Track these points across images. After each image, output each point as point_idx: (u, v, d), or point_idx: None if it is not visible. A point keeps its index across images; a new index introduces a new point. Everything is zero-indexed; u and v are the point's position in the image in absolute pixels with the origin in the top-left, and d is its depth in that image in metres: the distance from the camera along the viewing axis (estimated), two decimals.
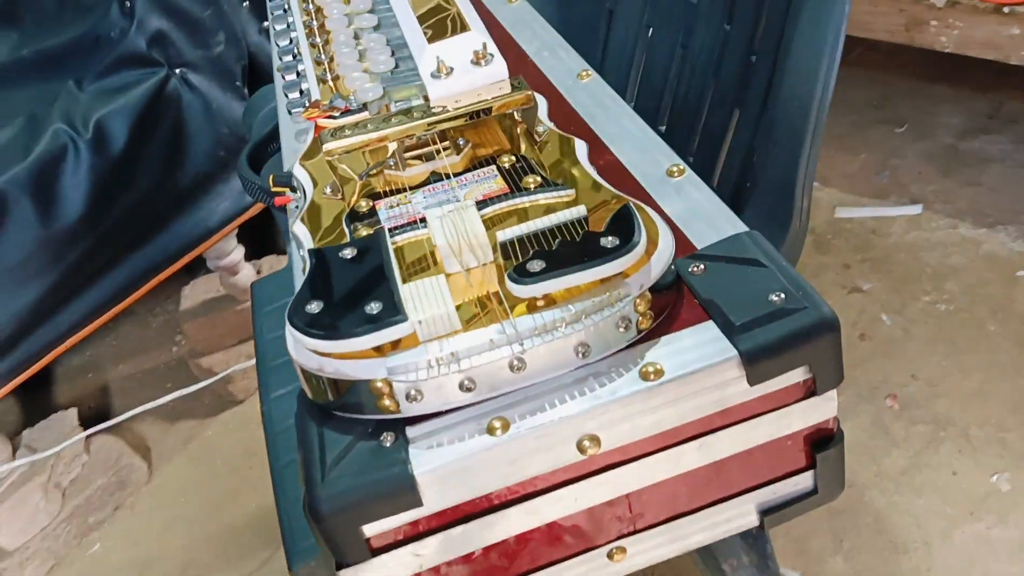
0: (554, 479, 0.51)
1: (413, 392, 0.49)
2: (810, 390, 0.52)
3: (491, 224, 0.55)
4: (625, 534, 0.55)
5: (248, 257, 1.61)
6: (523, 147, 0.62)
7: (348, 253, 0.54)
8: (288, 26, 0.83)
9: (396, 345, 0.49)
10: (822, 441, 0.55)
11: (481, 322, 0.50)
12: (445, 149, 0.62)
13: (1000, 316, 1.39)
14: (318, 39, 0.77)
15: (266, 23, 1.11)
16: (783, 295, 0.51)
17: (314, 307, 0.50)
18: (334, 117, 0.69)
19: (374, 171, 0.62)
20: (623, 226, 0.52)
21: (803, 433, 0.54)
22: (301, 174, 0.64)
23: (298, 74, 0.78)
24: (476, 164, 0.61)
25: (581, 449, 0.50)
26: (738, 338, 0.50)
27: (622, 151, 0.65)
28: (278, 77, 0.80)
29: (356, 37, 0.76)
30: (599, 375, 0.50)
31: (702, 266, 0.54)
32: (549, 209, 0.55)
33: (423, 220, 0.57)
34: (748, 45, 0.81)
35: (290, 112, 0.77)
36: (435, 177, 0.61)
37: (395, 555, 0.51)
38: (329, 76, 0.73)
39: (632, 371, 0.50)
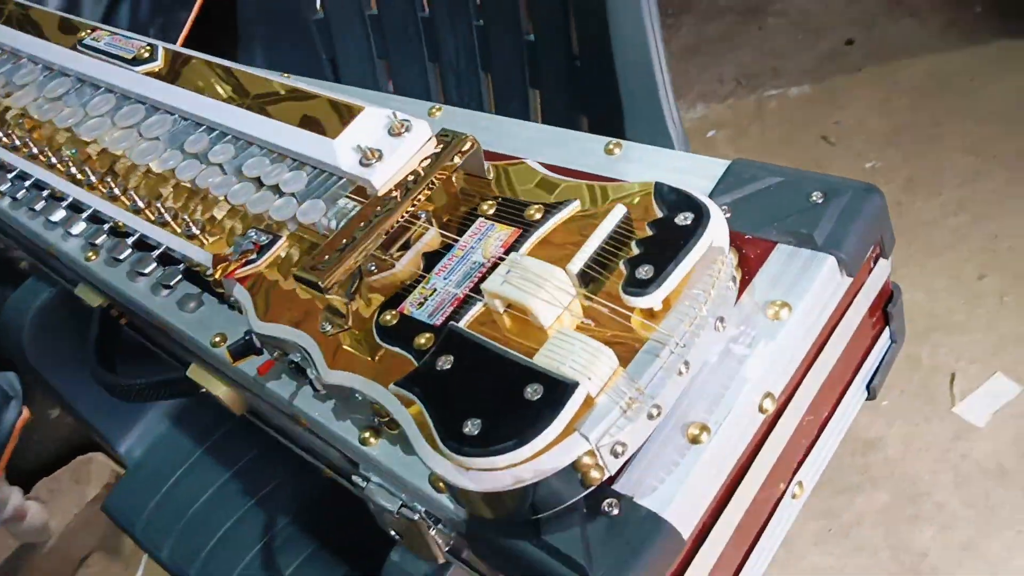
0: (752, 448, 0.51)
1: (618, 447, 0.47)
2: (878, 257, 0.56)
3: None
4: (796, 467, 0.56)
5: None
6: (485, 191, 0.60)
7: (443, 363, 0.49)
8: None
9: (577, 415, 0.46)
10: (889, 296, 0.59)
11: (630, 348, 0.48)
12: (420, 229, 0.59)
13: None
14: (136, 203, 0.68)
15: None
16: (819, 192, 0.54)
17: (471, 427, 0.46)
18: (252, 261, 0.62)
19: (355, 288, 0.57)
20: (676, 200, 0.52)
21: (879, 297, 0.58)
22: (279, 331, 0.57)
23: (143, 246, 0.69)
24: (461, 227, 0.58)
25: (762, 410, 0.50)
26: (825, 244, 0.52)
27: (549, 156, 0.64)
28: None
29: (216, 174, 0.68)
30: (740, 338, 0.51)
31: (727, 208, 0.56)
32: (582, 226, 0.55)
33: (466, 299, 0.53)
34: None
35: (164, 287, 0.68)
36: (434, 257, 0.57)
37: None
38: (195, 228, 0.65)
39: (764, 318, 0.51)
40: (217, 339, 0.65)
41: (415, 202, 0.57)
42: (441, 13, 0.94)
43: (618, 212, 0.54)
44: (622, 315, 0.49)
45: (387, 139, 0.59)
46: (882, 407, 1.31)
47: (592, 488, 0.47)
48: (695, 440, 0.48)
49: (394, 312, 0.55)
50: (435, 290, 0.55)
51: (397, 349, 0.53)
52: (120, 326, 0.82)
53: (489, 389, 0.47)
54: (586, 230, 0.54)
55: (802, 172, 0.56)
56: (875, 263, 0.57)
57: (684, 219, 0.51)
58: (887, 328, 0.60)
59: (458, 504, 0.50)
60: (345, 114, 0.61)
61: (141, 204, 0.69)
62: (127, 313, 0.81)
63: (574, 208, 0.56)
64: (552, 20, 0.84)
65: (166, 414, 1.07)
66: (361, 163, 0.58)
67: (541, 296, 0.50)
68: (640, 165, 0.62)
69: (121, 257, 0.71)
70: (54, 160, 0.75)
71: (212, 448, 1.04)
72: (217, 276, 0.61)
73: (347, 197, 0.60)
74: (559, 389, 0.46)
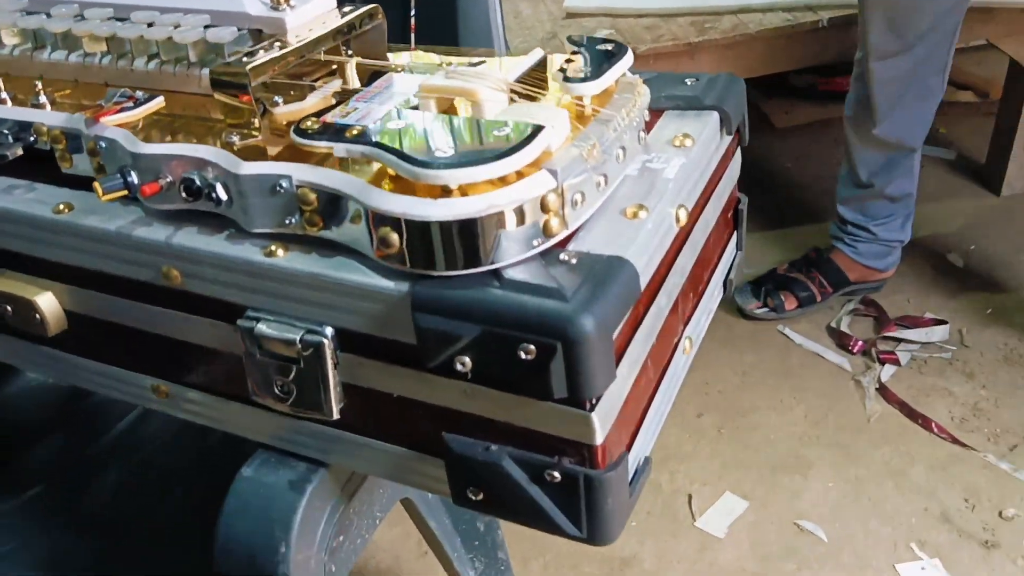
0: (669, 259, 0.54)
1: (577, 196, 0.47)
2: (737, 146, 0.64)
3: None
4: (687, 320, 0.59)
5: None
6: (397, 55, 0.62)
7: (394, 126, 0.48)
8: None
9: (541, 160, 0.47)
10: (737, 202, 0.67)
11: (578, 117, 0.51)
12: (328, 75, 0.58)
13: None
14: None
15: None
16: (692, 79, 0.62)
17: (445, 150, 0.45)
18: (129, 109, 0.57)
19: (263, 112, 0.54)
20: (592, 39, 0.57)
21: (732, 195, 0.65)
22: (171, 149, 0.52)
23: None
24: (372, 76, 0.58)
25: (678, 220, 0.53)
26: (710, 103, 0.60)
27: None
28: None
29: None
30: (654, 159, 0.55)
31: None
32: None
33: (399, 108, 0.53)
34: None
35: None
36: (346, 95, 0.56)
37: (625, 362, 0.48)
38: (43, 97, 0.59)
39: (672, 148, 0.56)
40: (61, 206, 0.57)
41: (332, 43, 0.57)
42: None
43: (537, 52, 0.57)
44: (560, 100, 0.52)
45: None
46: (632, 527, 1.34)
47: (552, 240, 0.47)
48: (635, 215, 0.50)
49: (314, 119, 0.53)
50: (357, 108, 0.54)
51: (324, 143, 0.51)
52: None
53: (456, 134, 0.47)
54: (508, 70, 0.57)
55: (669, 73, 0.64)
56: (735, 151, 0.64)
57: (605, 46, 0.56)
58: (735, 233, 0.67)
59: (408, 265, 0.46)
60: None
61: None
62: None
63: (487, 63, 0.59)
64: None
65: None
66: (272, 8, 0.58)
67: (485, 83, 0.51)
68: None
69: None
70: None
71: None
72: (88, 116, 0.55)
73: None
74: (528, 129, 0.46)
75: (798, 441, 1.45)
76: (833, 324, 1.66)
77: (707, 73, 0.63)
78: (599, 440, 0.46)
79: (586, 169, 0.47)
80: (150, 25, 0.59)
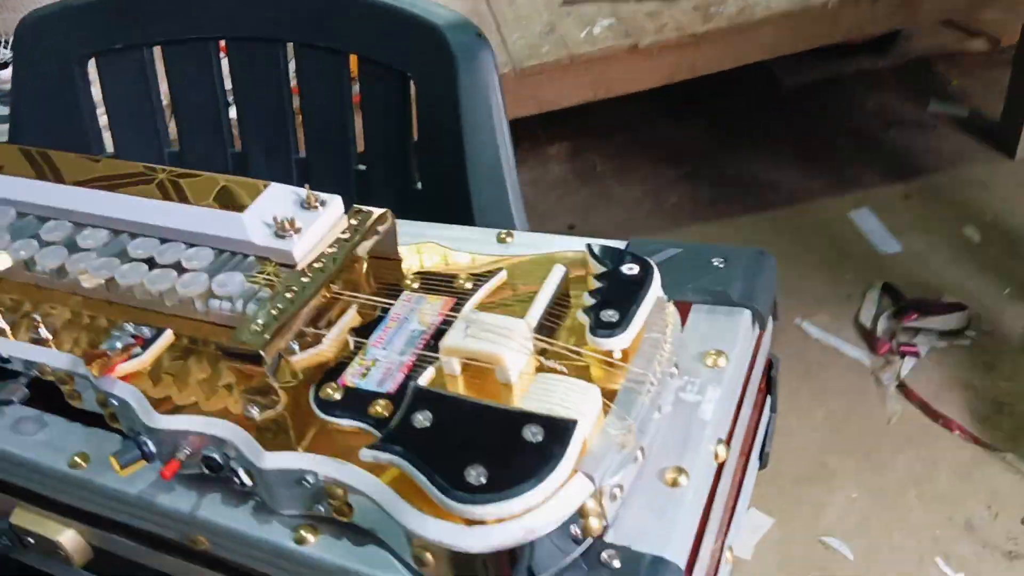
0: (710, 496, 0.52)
1: (616, 490, 0.46)
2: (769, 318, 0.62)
3: None
4: (727, 529, 0.57)
5: None
6: (399, 270, 0.59)
7: (420, 420, 0.46)
8: None
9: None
10: (770, 364, 0.64)
11: (608, 384, 0.48)
12: (343, 304, 0.55)
13: None
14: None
15: None
16: (720, 258, 0.59)
17: (476, 475, 0.43)
18: (137, 355, 0.55)
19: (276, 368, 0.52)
20: (616, 256, 0.54)
21: (767, 362, 0.63)
22: (189, 424, 0.50)
23: None
24: (385, 302, 0.56)
25: (716, 456, 0.51)
26: (740, 298, 0.57)
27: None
28: None
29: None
30: (687, 386, 0.53)
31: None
32: (516, 291, 0.55)
33: (415, 365, 0.51)
34: None
35: None
36: (363, 332, 0.54)
37: None
38: (44, 331, 0.57)
39: (704, 367, 0.54)
40: (77, 459, 0.55)
41: (341, 275, 0.54)
42: (255, 150, 0.93)
43: (558, 271, 0.55)
44: (589, 359, 0.49)
45: (301, 212, 0.56)
46: None
47: (591, 541, 0.45)
48: (674, 483, 0.48)
49: (335, 385, 0.50)
50: (376, 360, 0.52)
51: (348, 421, 0.49)
52: None
53: (483, 437, 0.45)
54: (522, 292, 0.54)
55: (696, 244, 0.61)
56: (768, 323, 0.62)
57: (631, 269, 0.53)
58: (769, 396, 0.65)
59: None
60: (250, 191, 0.57)
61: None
62: None
63: (502, 277, 0.57)
64: (388, 153, 0.85)
65: None
66: (277, 235, 0.55)
67: (510, 346, 0.49)
68: (535, 250, 0.63)
69: None
70: None
71: None
72: (96, 373, 0.53)
73: (251, 276, 0.56)
74: (559, 426, 0.44)
75: (820, 449, 1.45)
76: (862, 321, 1.63)
77: (733, 248, 0.60)
78: None
79: (624, 460, 0.45)
80: (150, 265, 0.56)
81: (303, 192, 0.57)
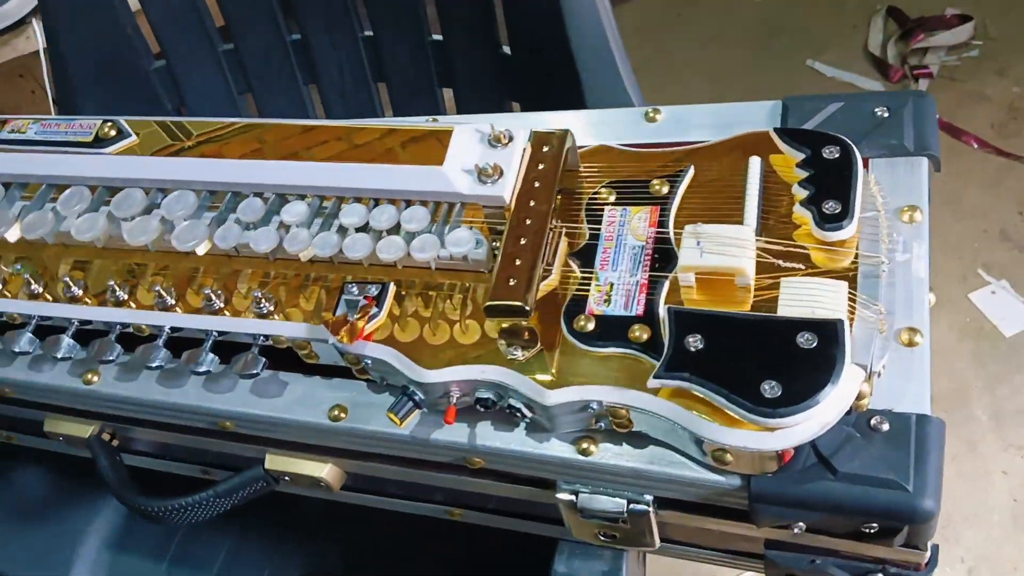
0: None
1: (881, 368, 0.51)
2: None
3: None
4: None
5: None
6: (584, 182, 0.61)
7: (693, 343, 0.50)
8: None
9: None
10: None
11: (844, 278, 0.52)
12: (555, 234, 0.58)
13: None
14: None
15: None
16: (882, 107, 0.61)
17: (771, 389, 0.48)
18: (375, 315, 0.57)
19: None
20: (809, 138, 0.57)
21: None
22: (462, 374, 0.54)
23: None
24: (591, 220, 0.58)
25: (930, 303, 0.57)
26: (916, 148, 0.60)
27: (600, 136, 0.65)
28: None
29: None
30: (894, 246, 0.57)
31: None
32: (714, 185, 0.58)
33: (653, 277, 0.54)
34: None
35: (247, 376, 0.61)
36: (582, 255, 0.57)
37: None
38: (267, 304, 0.59)
39: (902, 223, 0.57)
40: (336, 412, 0.59)
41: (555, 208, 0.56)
42: (317, 31, 0.90)
43: (756, 163, 0.57)
44: (814, 249, 0.53)
45: (492, 152, 0.57)
46: None
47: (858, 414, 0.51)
48: (911, 343, 0.53)
49: (585, 316, 0.54)
50: (611, 284, 0.55)
51: (612, 349, 0.53)
52: (115, 451, 0.71)
53: (761, 352, 0.49)
54: (723, 187, 0.57)
55: (853, 94, 0.63)
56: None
57: (831, 152, 0.55)
58: None
59: (743, 472, 0.51)
60: (439, 139, 0.58)
61: (171, 299, 0.61)
62: (126, 433, 0.71)
63: (691, 173, 0.59)
64: (470, 19, 0.83)
65: (105, 544, 0.94)
66: (480, 180, 0.56)
67: (747, 255, 0.52)
68: (689, 125, 0.65)
69: (153, 364, 0.62)
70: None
71: (176, 561, 0.93)
72: (346, 341, 0.56)
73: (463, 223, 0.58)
74: (828, 328, 0.49)
75: None
76: (871, 49, 1.65)
77: (893, 94, 0.62)
78: (925, 560, 0.53)
79: (885, 344, 0.50)
80: (366, 231, 0.57)
81: (486, 128, 0.58)
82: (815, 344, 0.48)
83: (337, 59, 0.90)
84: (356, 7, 0.88)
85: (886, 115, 0.61)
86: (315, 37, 0.90)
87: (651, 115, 0.66)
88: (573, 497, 0.57)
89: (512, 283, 0.53)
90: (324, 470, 0.64)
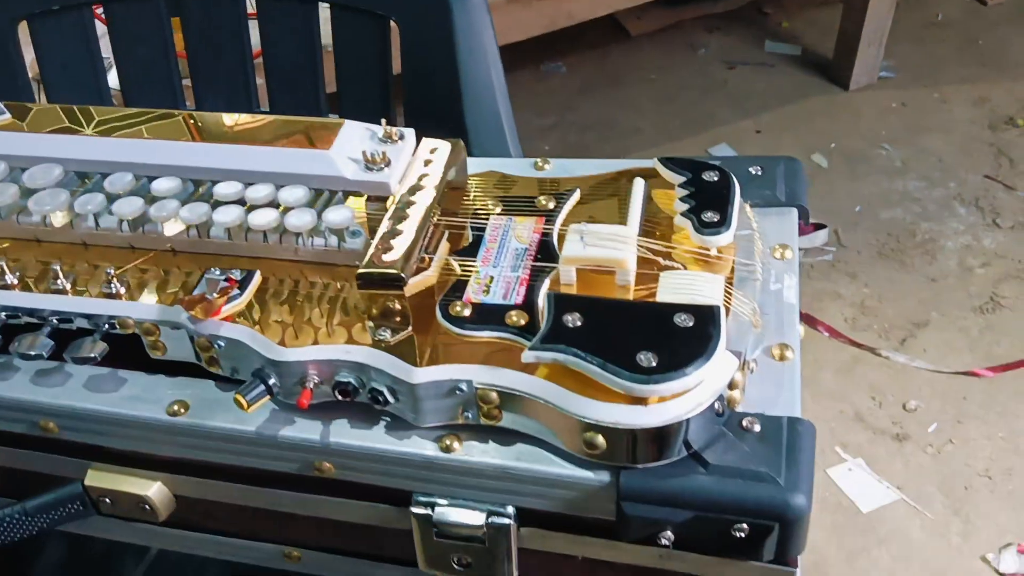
0: None
1: (752, 363, 0.50)
2: None
3: None
4: None
5: None
6: (466, 196, 0.60)
7: (572, 321, 0.48)
8: None
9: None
10: None
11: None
12: (438, 231, 0.57)
13: None
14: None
15: None
16: (758, 167, 0.65)
17: (647, 359, 0.46)
18: (235, 297, 0.54)
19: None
20: (693, 165, 0.58)
21: None
22: (322, 353, 0.51)
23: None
24: (475, 226, 0.57)
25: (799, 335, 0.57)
26: (787, 199, 0.63)
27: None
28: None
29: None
30: (768, 266, 0.58)
31: None
32: (596, 205, 0.58)
33: (535, 272, 0.53)
34: None
35: (82, 361, 0.55)
36: (464, 254, 0.56)
37: None
38: (118, 286, 0.55)
39: (774, 259, 0.59)
40: (175, 407, 0.54)
41: (438, 201, 0.56)
42: (213, 106, 0.90)
43: (640, 183, 0.58)
44: (691, 257, 0.54)
45: (382, 145, 0.57)
46: None
47: (729, 413, 0.50)
48: (782, 357, 0.54)
49: (461, 303, 0.52)
50: (492, 277, 0.54)
51: (488, 334, 0.51)
52: None
53: (638, 329, 0.48)
54: (608, 205, 0.58)
55: (729, 156, 0.67)
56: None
57: (711, 176, 0.57)
58: None
59: (610, 462, 0.48)
60: (329, 130, 0.57)
61: (11, 277, 0.56)
62: None
63: (577, 195, 0.60)
64: (366, 98, 0.85)
65: None
66: (367, 168, 0.55)
67: (628, 251, 0.52)
68: (571, 173, 0.66)
69: None
70: None
71: None
72: (201, 316, 0.52)
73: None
74: (706, 312, 0.48)
75: None
76: None
77: (764, 158, 0.65)
78: None
79: (758, 338, 0.50)
80: (243, 206, 0.55)
81: (378, 128, 0.58)
82: (692, 324, 0.48)
83: None
84: (254, 82, 0.89)
85: (760, 173, 0.64)
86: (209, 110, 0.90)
87: (540, 164, 0.67)
88: (429, 511, 0.52)
89: (388, 255, 0.51)
90: (151, 488, 0.57)
